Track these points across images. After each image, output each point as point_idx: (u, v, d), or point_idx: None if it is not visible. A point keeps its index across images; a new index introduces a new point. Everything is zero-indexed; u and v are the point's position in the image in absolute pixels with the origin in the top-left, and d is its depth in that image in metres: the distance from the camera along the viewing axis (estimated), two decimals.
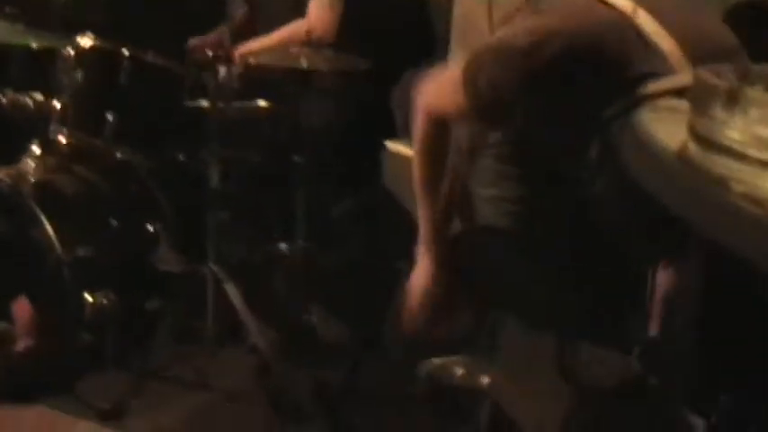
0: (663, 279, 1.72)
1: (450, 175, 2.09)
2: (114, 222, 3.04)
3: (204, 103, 3.08)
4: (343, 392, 2.94)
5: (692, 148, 0.81)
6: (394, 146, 3.18)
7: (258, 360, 3.01)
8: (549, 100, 1.57)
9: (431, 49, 3.87)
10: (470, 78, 1.72)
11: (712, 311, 1.32)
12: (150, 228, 3.10)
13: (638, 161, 0.94)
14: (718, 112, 0.79)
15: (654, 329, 1.75)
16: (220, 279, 3.03)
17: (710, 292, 1.32)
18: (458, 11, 3.56)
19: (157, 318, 3.09)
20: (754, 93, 0.77)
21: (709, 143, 0.80)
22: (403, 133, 3.44)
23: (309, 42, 3.11)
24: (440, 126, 1.99)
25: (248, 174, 3.36)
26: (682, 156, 0.81)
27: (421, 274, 2.08)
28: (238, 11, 3.75)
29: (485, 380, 2.16)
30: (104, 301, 2.81)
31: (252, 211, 3.51)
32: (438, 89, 1.96)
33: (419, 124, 2.00)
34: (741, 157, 0.76)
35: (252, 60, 3.06)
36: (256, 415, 2.82)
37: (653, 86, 1.05)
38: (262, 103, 3.33)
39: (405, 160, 3.04)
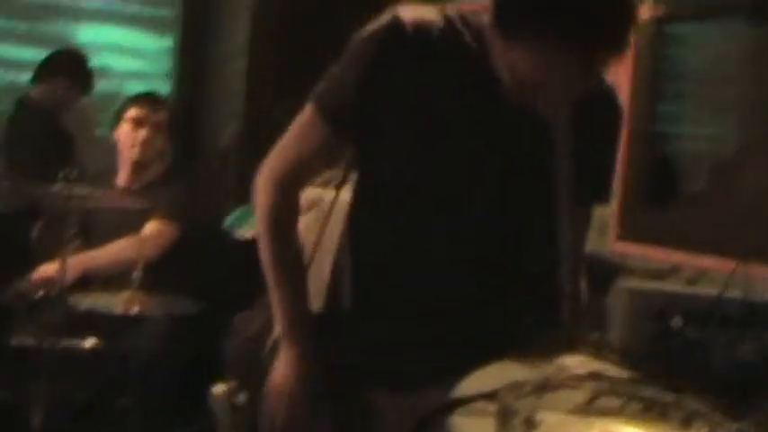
0: None
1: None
2: None
3: (30, 341, 3.08)
4: None
5: None
6: (219, 388, 3.22)
7: None
8: None
9: (259, 291, 3.99)
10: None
11: None
12: None
13: None
14: (518, 430, 0.93)
15: None
16: None
17: None
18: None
19: None
20: (546, 419, 0.92)
21: None
22: (234, 374, 3.50)
23: (141, 255, 3.18)
24: (288, 193, 1.90)
25: (73, 413, 3.32)
26: None
27: (282, 371, 1.88)
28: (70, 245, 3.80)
29: None
30: None
31: None
32: (280, 149, 1.89)
33: (263, 198, 1.89)
34: None
35: (83, 305, 3.08)
36: None
37: (464, 390, 1.19)
38: (90, 341, 3.35)
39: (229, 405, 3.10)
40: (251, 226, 3.99)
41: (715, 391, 1.23)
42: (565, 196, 1.78)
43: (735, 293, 1.44)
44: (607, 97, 1.91)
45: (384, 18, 1.78)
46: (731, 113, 3.47)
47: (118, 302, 3.13)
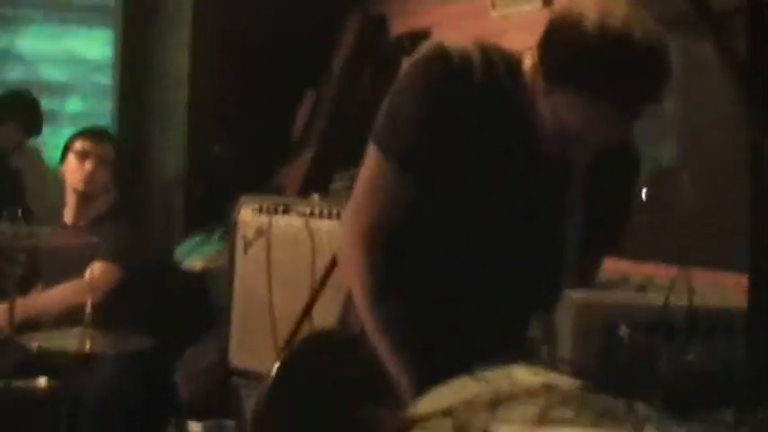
0: None
1: None
2: None
3: None
4: None
5: None
6: (178, 422, 3.23)
7: None
8: None
9: (211, 322, 3.99)
10: None
11: None
12: None
13: None
14: None
15: None
16: None
17: None
18: (238, 282, 3.73)
19: None
20: (501, 430, 0.95)
21: None
22: (189, 408, 3.50)
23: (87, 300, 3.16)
24: (383, 249, 1.83)
25: None
26: None
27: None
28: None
29: None
30: None
31: None
32: (359, 208, 1.86)
33: (363, 263, 1.82)
34: None
35: (34, 344, 3.05)
36: None
37: (422, 408, 1.22)
38: (42, 382, 3.32)
39: None
40: (200, 257, 4.02)
41: (663, 398, 1.26)
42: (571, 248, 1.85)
43: (680, 301, 1.47)
44: (626, 149, 1.97)
45: (431, 48, 1.83)
46: (672, 124, 3.53)
47: (69, 341, 3.10)
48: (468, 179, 1.84)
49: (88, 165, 3.83)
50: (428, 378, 1.58)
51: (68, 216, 3.89)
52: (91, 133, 3.96)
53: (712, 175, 3.21)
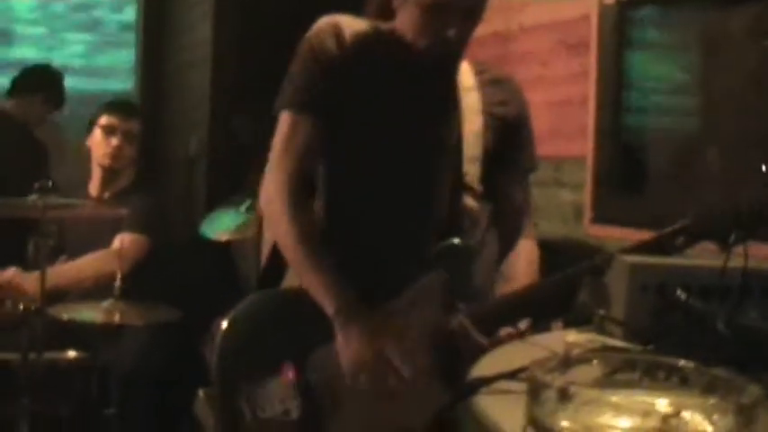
0: None
1: None
2: None
3: (13, 356, 3.06)
4: None
5: None
6: (207, 392, 3.22)
7: None
8: None
9: (237, 295, 3.98)
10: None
11: None
12: None
13: None
14: (551, 403, 0.94)
15: None
16: None
17: None
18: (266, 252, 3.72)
19: None
20: (579, 390, 0.94)
21: (545, 429, 0.94)
22: (215, 380, 3.49)
23: (118, 267, 3.17)
24: (299, 196, 2.04)
25: (59, 427, 3.30)
26: None
27: (350, 350, 1.88)
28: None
29: None
30: None
31: None
32: (276, 163, 2.06)
33: (279, 210, 2.02)
34: None
35: (64, 316, 3.06)
36: None
37: (483, 371, 1.21)
38: (72, 353, 3.33)
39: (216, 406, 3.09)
40: (225, 228, 4.01)
41: (723, 360, 1.25)
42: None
43: (733, 264, 1.46)
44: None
45: (322, 21, 2.12)
46: (694, 97, 3.51)
47: (98, 313, 3.12)
48: (365, 115, 2.09)
49: (114, 140, 3.84)
50: (354, 304, 1.91)
51: (93, 189, 3.90)
52: (117, 108, 3.96)
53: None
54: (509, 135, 2.21)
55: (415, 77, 2.09)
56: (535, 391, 0.96)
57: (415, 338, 1.92)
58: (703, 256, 1.65)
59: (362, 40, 2.09)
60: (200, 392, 3.25)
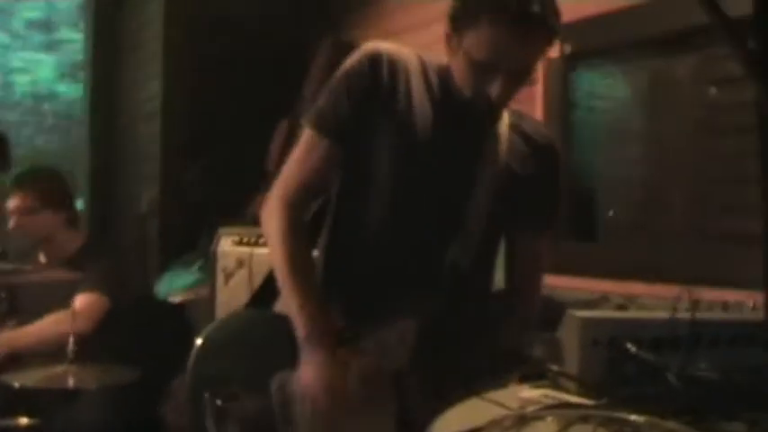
0: None
1: None
2: None
3: None
4: None
5: None
6: None
7: None
8: None
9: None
10: None
11: None
12: None
13: None
14: None
15: None
16: None
17: None
18: (220, 312, 3.71)
19: None
20: None
21: None
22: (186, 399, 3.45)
23: (73, 331, 3.11)
24: (299, 210, 2.13)
25: None
26: None
27: (308, 377, 1.95)
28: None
29: None
30: None
31: None
32: (286, 175, 2.12)
33: (277, 219, 2.08)
34: None
35: (15, 384, 3.01)
36: None
37: (442, 430, 1.22)
38: (24, 420, 3.27)
39: None
40: (178, 287, 3.99)
41: (675, 412, 1.27)
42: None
43: (681, 316, 1.49)
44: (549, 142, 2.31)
45: (364, 47, 2.14)
46: (643, 144, 3.57)
47: (52, 378, 3.07)
48: (386, 149, 2.12)
49: (11, 221, 3.72)
50: (326, 334, 1.97)
51: (42, 256, 3.83)
52: (10, 187, 3.81)
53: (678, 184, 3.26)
54: (522, 190, 2.22)
55: (448, 122, 2.13)
56: None
57: (373, 381, 1.96)
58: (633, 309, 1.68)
59: (402, 73, 2.12)
60: None
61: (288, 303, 2.03)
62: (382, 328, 2.04)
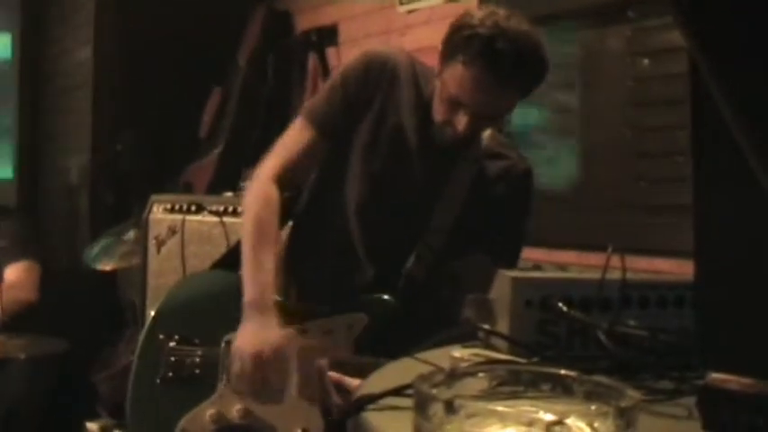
0: None
1: None
2: None
3: None
4: None
5: None
6: (93, 426, 3.16)
7: None
8: None
9: (121, 322, 3.93)
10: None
11: None
12: None
13: None
14: (438, 416, 0.95)
15: None
16: None
17: None
18: (152, 280, 3.66)
19: None
20: (465, 403, 0.95)
21: None
22: (105, 410, 3.42)
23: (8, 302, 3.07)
24: (281, 185, 2.21)
25: None
26: None
27: (242, 341, 2.07)
28: None
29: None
30: None
31: None
32: (275, 153, 2.24)
33: (259, 189, 2.20)
34: None
35: None
36: None
37: (371, 388, 1.21)
38: None
39: None
40: (111, 257, 3.93)
41: (605, 369, 1.28)
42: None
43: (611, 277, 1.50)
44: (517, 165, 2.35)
45: (365, 51, 2.27)
46: (574, 115, 3.60)
47: None
48: (362, 149, 2.24)
49: None
50: (269, 304, 2.09)
51: None
52: None
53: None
54: (486, 215, 2.26)
55: (427, 135, 2.21)
56: (422, 405, 0.97)
57: (308, 362, 2.02)
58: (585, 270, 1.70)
59: (395, 79, 2.23)
60: (87, 425, 3.18)
61: (245, 267, 2.12)
62: (334, 314, 2.15)
